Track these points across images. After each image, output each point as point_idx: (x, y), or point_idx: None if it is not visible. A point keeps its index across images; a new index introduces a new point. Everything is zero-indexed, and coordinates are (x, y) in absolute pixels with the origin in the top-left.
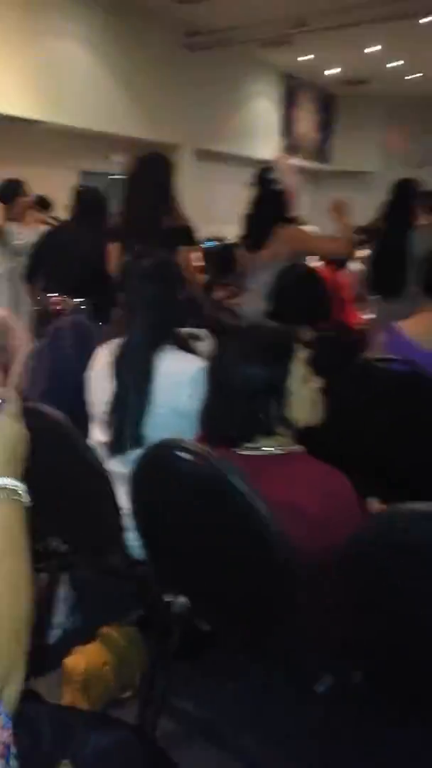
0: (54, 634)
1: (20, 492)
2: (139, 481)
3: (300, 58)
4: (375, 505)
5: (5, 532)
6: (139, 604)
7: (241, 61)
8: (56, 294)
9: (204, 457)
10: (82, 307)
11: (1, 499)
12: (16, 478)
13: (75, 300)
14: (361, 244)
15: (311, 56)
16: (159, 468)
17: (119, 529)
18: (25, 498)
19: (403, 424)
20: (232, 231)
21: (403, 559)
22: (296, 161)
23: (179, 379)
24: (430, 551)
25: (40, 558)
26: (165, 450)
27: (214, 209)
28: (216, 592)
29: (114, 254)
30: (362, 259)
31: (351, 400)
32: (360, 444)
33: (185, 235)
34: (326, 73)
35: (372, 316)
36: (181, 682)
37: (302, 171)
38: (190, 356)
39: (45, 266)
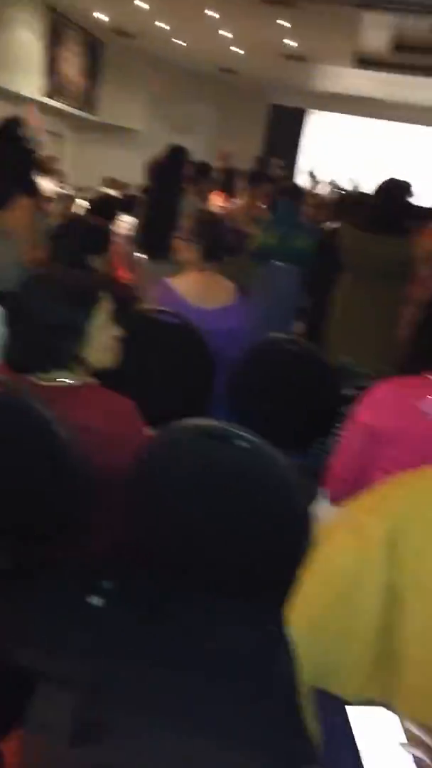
0: None
1: None
2: None
3: None
4: None
5: None
6: None
7: None
8: None
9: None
10: None
11: None
12: None
13: None
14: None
15: None
16: None
17: None
18: None
19: (172, 369)
20: None
21: (178, 466)
22: (60, 105)
23: None
24: (196, 458)
25: None
26: None
27: None
28: (12, 516)
29: None
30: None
31: (127, 348)
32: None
33: None
34: (94, 16)
35: (137, 274)
36: None
37: (66, 117)
38: None
39: None
